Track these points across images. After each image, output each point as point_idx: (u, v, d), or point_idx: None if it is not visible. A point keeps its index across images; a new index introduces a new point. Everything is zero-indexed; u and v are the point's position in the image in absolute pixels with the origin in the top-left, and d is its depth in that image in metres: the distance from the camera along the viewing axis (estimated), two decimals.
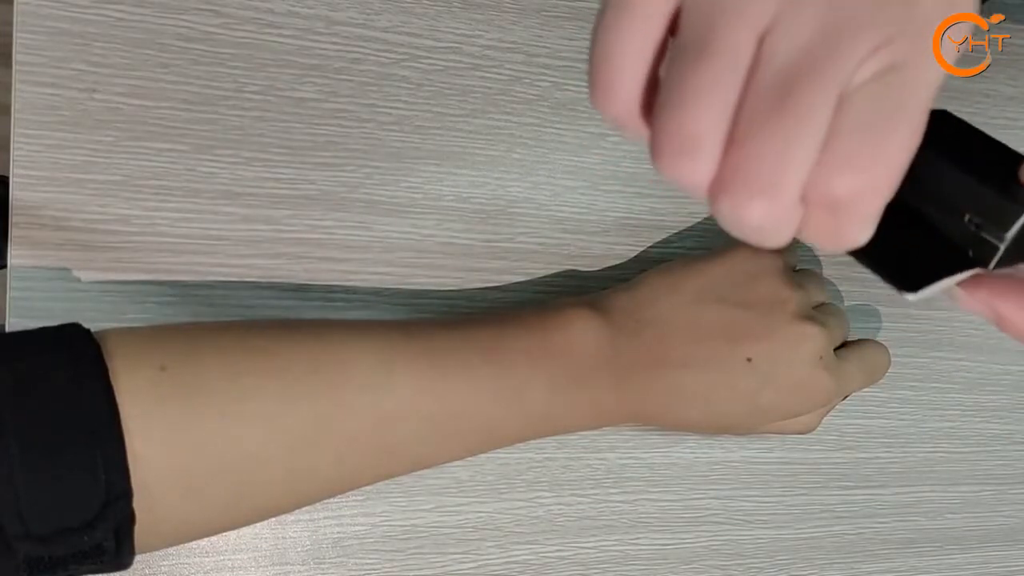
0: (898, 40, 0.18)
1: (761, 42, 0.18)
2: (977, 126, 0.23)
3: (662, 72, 0.20)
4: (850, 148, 0.18)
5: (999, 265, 0.22)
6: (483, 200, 0.39)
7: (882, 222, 0.21)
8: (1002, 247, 0.21)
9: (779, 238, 0.20)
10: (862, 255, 0.21)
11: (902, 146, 0.19)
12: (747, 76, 0.18)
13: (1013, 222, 0.21)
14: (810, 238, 0.20)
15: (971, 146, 0.23)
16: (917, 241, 0.23)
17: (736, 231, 0.19)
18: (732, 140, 0.18)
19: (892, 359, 0.40)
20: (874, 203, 0.19)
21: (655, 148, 0.19)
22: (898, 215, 0.22)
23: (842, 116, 0.18)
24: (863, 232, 0.20)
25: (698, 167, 0.19)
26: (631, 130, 0.20)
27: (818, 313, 0.37)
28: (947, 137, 0.23)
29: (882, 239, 0.21)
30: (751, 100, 0.18)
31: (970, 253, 0.22)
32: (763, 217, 0.19)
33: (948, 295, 0.23)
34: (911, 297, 0.21)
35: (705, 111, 0.18)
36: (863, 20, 0.18)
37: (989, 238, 0.21)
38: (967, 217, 0.22)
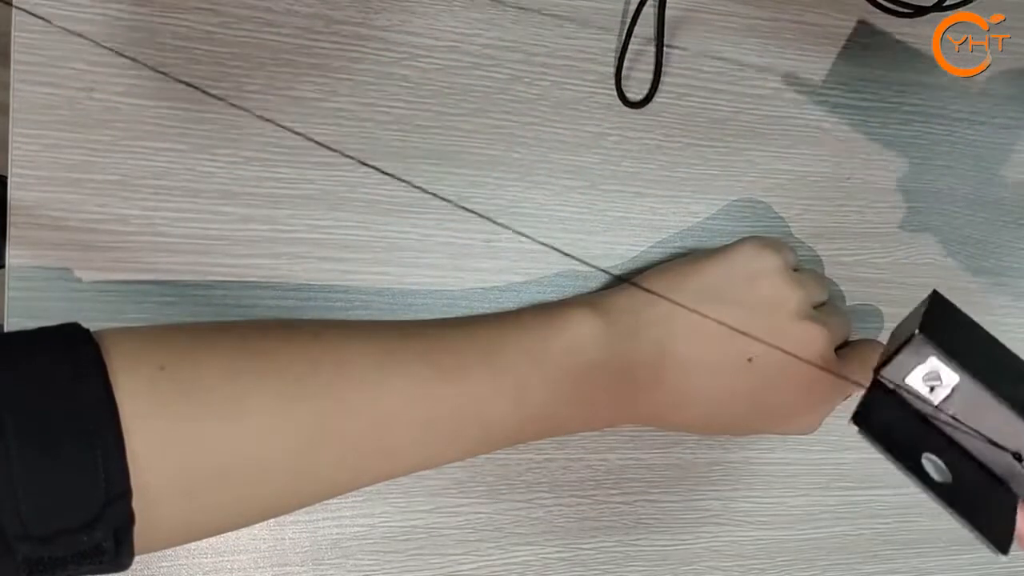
0: None
1: None
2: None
3: None
4: None
5: None
6: (483, 200, 0.39)
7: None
8: None
9: None
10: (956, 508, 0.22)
11: None
12: None
13: None
14: None
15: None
16: (984, 488, 0.24)
17: None
18: None
19: None
20: None
21: None
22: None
23: None
24: None
25: None
26: None
27: (819, 313, 0.37)
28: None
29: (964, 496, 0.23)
30: None
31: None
32: None
33: None
34: (1004, 557, 0.22)
35: None
36: None
37: None
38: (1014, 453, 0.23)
